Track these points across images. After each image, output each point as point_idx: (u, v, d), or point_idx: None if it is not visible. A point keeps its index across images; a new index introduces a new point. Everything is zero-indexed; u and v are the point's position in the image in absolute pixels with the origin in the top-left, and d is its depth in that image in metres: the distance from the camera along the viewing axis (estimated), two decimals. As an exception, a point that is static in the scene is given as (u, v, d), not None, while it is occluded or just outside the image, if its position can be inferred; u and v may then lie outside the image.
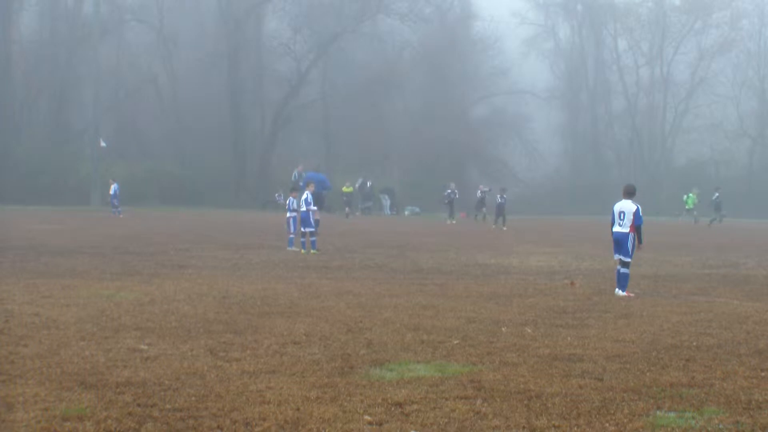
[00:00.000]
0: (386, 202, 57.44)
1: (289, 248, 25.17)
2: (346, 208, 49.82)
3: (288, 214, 26.22)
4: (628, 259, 16.18)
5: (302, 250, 24.39)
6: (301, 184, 43.33)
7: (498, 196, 43.20)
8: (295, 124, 62.49)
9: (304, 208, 24.77)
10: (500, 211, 42.21)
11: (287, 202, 27.05)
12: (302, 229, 24.77)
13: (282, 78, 61.76)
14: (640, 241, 16.27)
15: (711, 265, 23.13)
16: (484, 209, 47.52)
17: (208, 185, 57.49)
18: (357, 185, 53.96)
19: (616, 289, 16.15)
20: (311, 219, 24.70)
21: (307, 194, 25.03)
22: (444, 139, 62.98)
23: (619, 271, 16.24)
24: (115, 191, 44.65)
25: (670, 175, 73.69)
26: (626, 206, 16.23)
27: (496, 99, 71.93)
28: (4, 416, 7.40)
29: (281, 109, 61.31)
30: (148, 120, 63.01)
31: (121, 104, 61.67)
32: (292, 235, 25.72)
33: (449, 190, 46.86)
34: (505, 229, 40.19)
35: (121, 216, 41.77)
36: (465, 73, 68.99)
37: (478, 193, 48.55)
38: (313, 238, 24.73)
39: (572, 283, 17.69)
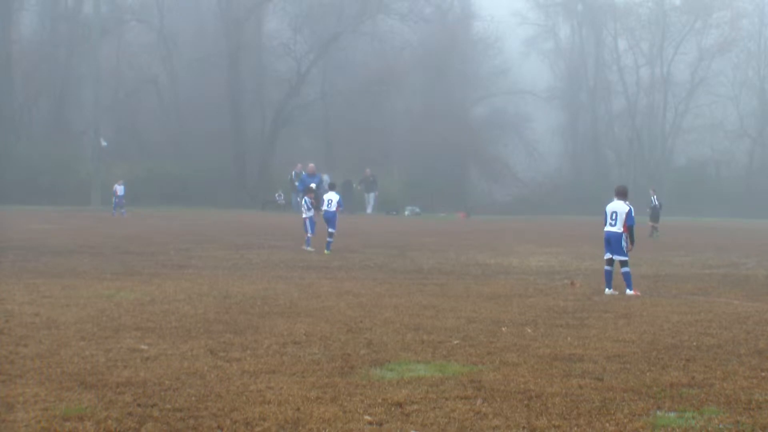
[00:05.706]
0: (369, 201, 53.48)
1: (305, 248, 25.21)
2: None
3: (305, 215, 26.20)
4: (626, 258, 16.39)
5: (326, 251, 24.47)
6: (296, 183, 43.36)
7: (652, 198, 36.31)
8: (295, 124, 62.39)
9: (332, 209, 25.23)
10: (655, 216, 35.54)
11: (303, 202, 26.89)
12: (329, 230, 25.02)
13: (282, 78, 61.65)
14: (632, 242, 16.47)
15: (711, 265, 23.13)
16: None
17: (208, 185, 57.33)
18: (291, 174, 46.17)
19: (606, 289, 16.31)
20: (335, 220, 25.19)
21: (334, 195, 25.66)
22: (444, 139, 62.85)
23: (608, 270, 16.52)
24: (122, 192, 44.95)
25: (670, 175, 73.62)
26: (619, 207, 16.51)
27: (496, 99, 71.83)
28: (4, 416, 7.40)
29: (281, 109, 61.21)
30: (148, 120, 62.90)
31: (121, 104, 61.55)
32: (309, 235, 25.70)
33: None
34: (657, 235, 34.48)
35: (116, 216, 41.76)
36: (465, 73, 68.89)
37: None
38: (330, 239, 24.98)
39: (572, 283, 17.71)
